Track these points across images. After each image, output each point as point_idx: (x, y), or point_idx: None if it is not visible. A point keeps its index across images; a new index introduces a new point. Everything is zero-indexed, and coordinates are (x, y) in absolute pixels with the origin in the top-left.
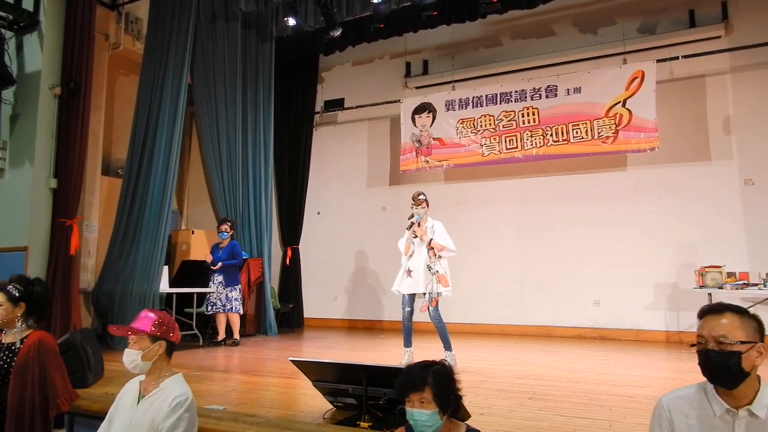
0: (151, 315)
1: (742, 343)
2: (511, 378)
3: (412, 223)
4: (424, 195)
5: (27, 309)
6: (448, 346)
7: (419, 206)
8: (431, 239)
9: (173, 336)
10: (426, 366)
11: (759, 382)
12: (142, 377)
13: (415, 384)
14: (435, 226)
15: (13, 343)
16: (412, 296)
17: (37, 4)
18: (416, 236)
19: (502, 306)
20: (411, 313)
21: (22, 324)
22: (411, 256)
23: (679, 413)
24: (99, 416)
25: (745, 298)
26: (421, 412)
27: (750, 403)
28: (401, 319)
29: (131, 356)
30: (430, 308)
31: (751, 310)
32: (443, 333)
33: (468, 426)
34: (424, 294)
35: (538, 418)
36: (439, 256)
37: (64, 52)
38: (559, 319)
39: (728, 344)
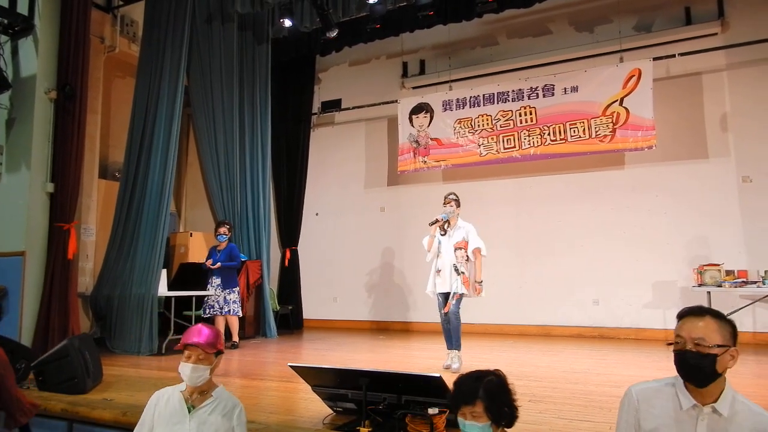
0: (211, 330)
1: (719, 346)
2: (511, 379)
3: (437, 220)
4: (454, 195)
5: None
6: (458, 345)
7: (447, 205)
8: (463, 242)
9: (224, 350)
10: (478, 378)
11: (725, 382)
12: (182, 387)
13: (465, 397)
14: (468, 228)
15: None
16: (446, 297)
17: (32, 8)
18: (444, 233)
19: (501, 306)
20: (447, 314)
21: None
22: (439, 256)
23: (646, 403)
24: (97, 423)
25: (743, 296)
26: (473, 424)
27: (715, 401)
28: (440, 322)
29: (199, 371)
30: (452, 302)
31: (749, 309)
32: (457, 330)
33: None
34: (452, 293)
35: (539, 421)
36: (467, 258)
37: (59, 55)
38: (558, 319)
39: (706, 347)
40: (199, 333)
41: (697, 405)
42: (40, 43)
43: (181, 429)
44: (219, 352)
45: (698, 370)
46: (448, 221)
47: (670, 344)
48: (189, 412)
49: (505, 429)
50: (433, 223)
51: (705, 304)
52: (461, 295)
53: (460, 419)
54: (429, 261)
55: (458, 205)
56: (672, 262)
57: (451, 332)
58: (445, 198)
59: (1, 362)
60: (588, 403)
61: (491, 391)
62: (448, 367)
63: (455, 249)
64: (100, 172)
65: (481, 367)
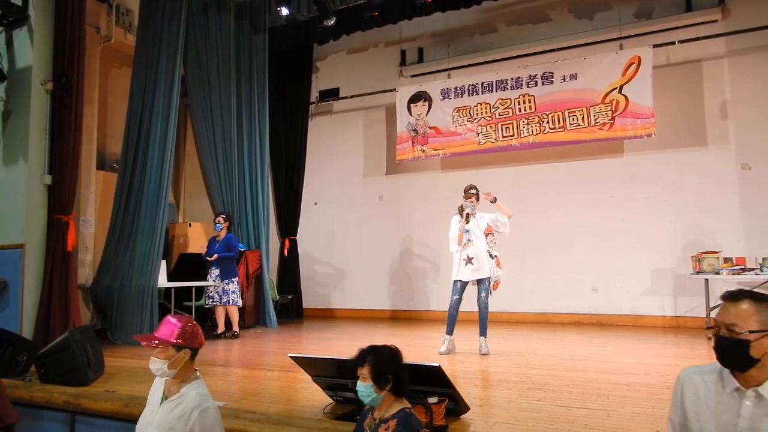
0: (176, 323)
1: (752, 332)
2: (510, 367)
3: (468, 214)
4: (475, 189)
5: None
6: (485, 332)
7: (469, 200)
8: (488, 228)
9: (197, 342)
10: (372, 348)
11: None
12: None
13: (358, 360)
14: (486, 216)
15: None
16: (466, 285)
17: None
18: (468, 222)
19: (500, 293)
20: (459, 301)
21: None
22: (468, 245)
23: (690, 385)
24: (100, 415)
25: (741, 283)
26: (360, 383)
27: (759, 385)
28: (447, 308)
29: (157, 365)
30: (482, 295)
31: None
32: (486, 319)
33: (405, 406)
34: (489, 278)
35: (537, 408)
36: (494, 242)
37: (54, 46)
38: (557, 306)
39: (738, 333)
40: (160, 325)
41: (740, 388)
42: (35, 34)
43: (151, 418)
44: (181, 347)
45: (731, 356)
46: (470, 213)
47: (709, 328)
48: (161, 403)
49: (397, 397)
50: (466, 217)
51: (703, 292)
52: (490, 281)
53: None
54: (453, 251)
55: (477, 199)
56: (670, 250)
57: (481, 321)
58: (467, 192)
59: None
60: (586, 390)
61: (379, 358)
62: (444, 353)
63: (485, 236)
64: (97, 164)
65: (484, 356)
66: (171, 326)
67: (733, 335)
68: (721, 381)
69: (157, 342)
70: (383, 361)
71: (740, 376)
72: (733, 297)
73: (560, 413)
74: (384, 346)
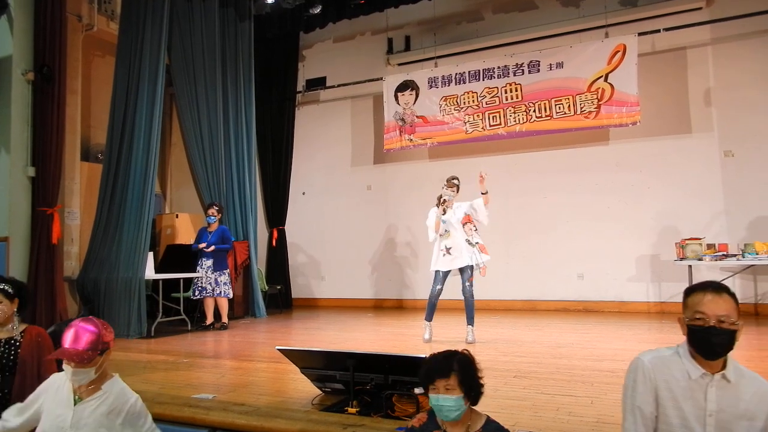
0: (92, 329)
1: (735, 323)
2: (497, 355)
3: (444, 201)
4: (457, 180)
5: (19, 304)
6: (471, 321)
7: (450, 189)
8: (466, 217)
9: (112, 337)
10: (451, 354)
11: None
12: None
13: (442, 370)
14: (464, 206)
15: (12, 338)
16: (447, 274)
17: None
18: (444, 213)
19: (488, 281)
20: (440, 291)
21: (18, 319)
22: (446, 235)
23: (660, 372)
24: None
25: (724, 269)
26: (447, 397)
27: (721, 369)
28: (428, 296)
29: (83, 375)
30: (466, 285)
31: (730, 281)
32: (472, 308)
33: (488, 417)
34: (471, 266)
35: (522, 396)
36: (475, 228)
37: (35, 35)
38: (544, 293)
39: (729, 323)
40: (75, 339)
41: (706, 373)
42: (15, 23)
43: (63, 421)
44: (103, 351)
45: (721, 346)
46: (446, 201)
47: (688, 319)
48: (75, 404)
49: (473, 408)
50: (442, 203)
51: (686, 278)
52: (473, 269)
53: (432, 395)
54: (432, 241)
55: (458, 191)
56: (655, 236)
57: (467, 310)
58: (449, 181)
59: (46, 344)
60: (571, 377)
61: (464, 366)
62: (428, 340)
63: (463, 225)
64: (82, 155)
65: (463, 343)
66: (89, 334)
67: (725, 326)
68: (685, 368)
69: (89, 354)
70: (470, 368)
71: (704, 362)
72: (713, 289)
73: (545, 401)
74: (458, 352)
